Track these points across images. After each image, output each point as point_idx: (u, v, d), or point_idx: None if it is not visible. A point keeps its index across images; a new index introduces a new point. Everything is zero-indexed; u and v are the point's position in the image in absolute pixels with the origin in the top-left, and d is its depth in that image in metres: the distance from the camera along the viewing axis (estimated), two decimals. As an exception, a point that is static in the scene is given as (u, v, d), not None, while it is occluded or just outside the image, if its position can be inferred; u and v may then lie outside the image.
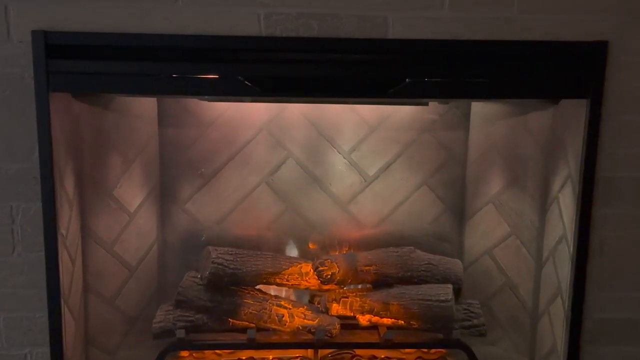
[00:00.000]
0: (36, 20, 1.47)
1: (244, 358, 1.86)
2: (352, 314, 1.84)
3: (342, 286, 1.88)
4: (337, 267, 1.82)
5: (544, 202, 1.82)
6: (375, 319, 1.84)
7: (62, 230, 1.58)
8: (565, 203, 1.68)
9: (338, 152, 2.03)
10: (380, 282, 1.86)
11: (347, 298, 1.84)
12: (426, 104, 1.90)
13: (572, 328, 1.68)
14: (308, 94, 1.60)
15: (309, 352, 1.86)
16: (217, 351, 1.86)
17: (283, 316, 1.81)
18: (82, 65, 1.50)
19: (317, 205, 2.05)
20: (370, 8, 1.49)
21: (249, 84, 1.51)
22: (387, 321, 1.83)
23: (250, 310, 1.81)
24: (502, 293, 1.97)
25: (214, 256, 1.79)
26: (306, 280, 1.86)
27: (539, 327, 1.87)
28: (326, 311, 1.84)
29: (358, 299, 1.84)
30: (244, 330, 1.80)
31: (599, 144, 1.58)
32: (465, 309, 1.86)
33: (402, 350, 1.88)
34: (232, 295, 1.82)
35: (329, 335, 1.80)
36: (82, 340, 1.76)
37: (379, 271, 1.84)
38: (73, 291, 1.68)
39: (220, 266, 1.78)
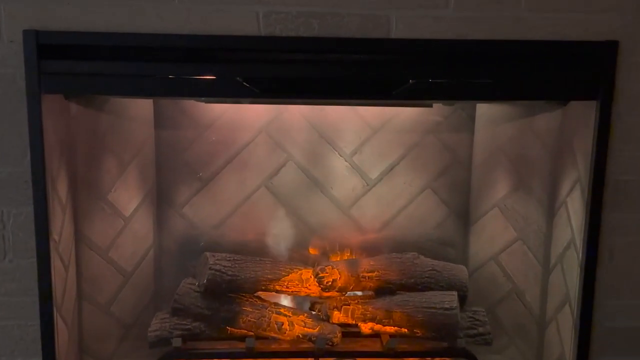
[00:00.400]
0: (28, 19, 1.46)
1: (242, 367, 1.86)
2: (353, 322, 1.84)
3: (344, 293, 1.87)
4: (339, 273, 1.82)
5: (551, 207, 1.81)
6: (377, 327, 1.84)
7: (54, 235, 1.57)
8: (574, 207, 1.68)
9: (339, 154, 2.03)
10: (383, 289, 1.86)
11: (349, 305, 1.84)
12: (430, 106, 1.89)
13: (581, 337, 1.66)
14: (308, 95, 1.59)
15: (310, 361, 1.85)
16: (215, 360, 1.85)
17: (283, 324, 1.81)
18: (75, 65, 1.49)
19: (317, 210, 2.04)
20: (373, 7, 1.48)
21: (247, 85, 1.50)
22: (389, 329, 1.83)
23: (249, 318, 1.81)
24: (508, 300, 1.96)
25: (211, 262, 1.78)
26: (306, 287, 1.86)
27: (546, 336, 1.86)
28: (327, 319, 1.84)
29: (360, 306, 1.84)
30: (242, 338, 1.80)
31: (609, 147, 1.57)
32: (471, 317, 1.86)
33: (405, 359, 1.86)
34: (230, 303, 1.81)
35: (330, 343, 1.80)
36: (75, 348, 1.75)
37: (381, 278, 1.84)
38: (66, 298, 1.67)
39: (218, 273, 1.77)
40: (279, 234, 2.04)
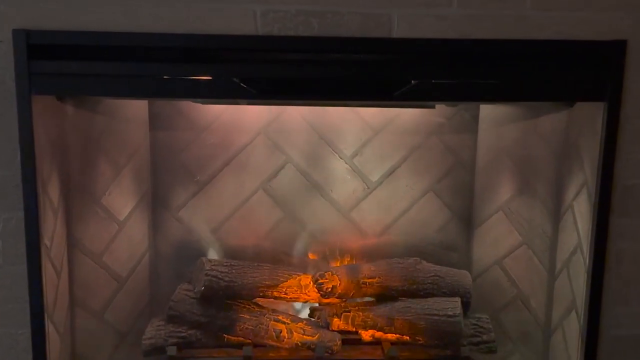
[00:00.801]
0: (18, 19, 1.44)
1: (239, 376, 1.86)
2: (354, 329, 1.84)
3: (344, 300, 1.87)
4: (338, 279, 1.82)
5: (557, 210, 1.80)
6: (378, 334, 1.83)
7: (46, 240, 1.56)
8: (581, 211, 1.66)
9: (339, 156, 2.03)
10: (384, 296, 1.86)
11: (349, 312, 1.84)
12: (433, 107, 1.88)
13: (588, 344, 1.65)
14: (308, 96, 1.59)
15: (309, 370, 1.85)
16: (211, 369, 1.85)
17: (281, 332, 1.80)
18: (67, 66, 1.47)
19: (317, 213, 2.04)
20: (374, 5, 1.47)
21: (245, 85, 1.50)
22: (391, 337, 1.83)
23: (246, 326, 1.80)
24: (512, 306, 1.96)
25: (207, 268, 1.78)
26: (306, 294, 1.86)
27: (551, 343, 1.85)
28: (327, 326, 1.84)
29: (360, 313, 1.84)
30: (239, 346, 1.80)
31: (617, 149, 1.55)
32: (474, 324, 1.86)
33: (407, 367, 1.87)
34: (227, 310, 1.81)
35: (330, 351, 1.80)
36: (68, 357, 1.74)
37: (382, 284, 1.84)
38: (58, 305, 1.66)
39: (214, 279, 1.77)
40: (278, 238, 2.04)
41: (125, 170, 1.86)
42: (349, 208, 2.04)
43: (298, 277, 1.85)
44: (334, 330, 1.83)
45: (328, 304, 1.87)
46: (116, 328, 1.88)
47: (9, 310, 1.58)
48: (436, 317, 1.77)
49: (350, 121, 2.00)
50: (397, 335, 1.81)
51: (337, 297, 1.83)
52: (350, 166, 2.02)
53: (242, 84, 1.49)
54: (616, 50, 1.50)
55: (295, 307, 2.00)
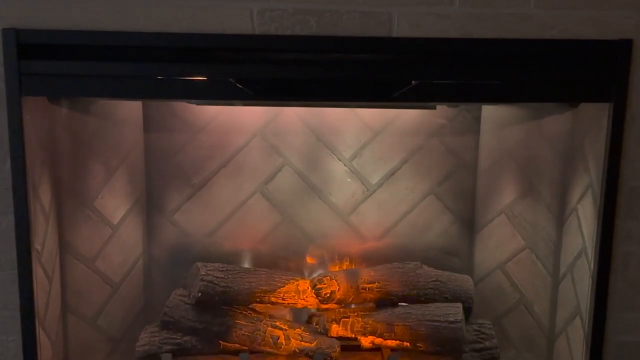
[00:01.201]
0: (7, 17, 1.43)
1: (236, 383, 1.85)
2: (353, 336, 1.84)
3: (343, 305, 1.87)
4: (337, 284, 1.81)
5: (561, 214, 1.80)
6: (378, 340, 1.83)
7: (36, 245, 1.56)
8: (585, 215, 1.66)
9: (338, 159, 2.03)
10: (384, 301, 1.85)
11: (348, 318, 1.84)
12: (434, 108, 1.89)
13: (593, 351, 1.64)
14: (305, 97, 1.59)
15: (307, 377, 1.85)
16: (207, 376, 1.85)
17: (278, 338, 1.80)
18: (58, 66, 1.46)
19: (315, 217, 2.04)
20: (374, 4, 1.46)
21: (241, 86, 1.49)
22: (391, 343, 1.83)
23: (242, 332, 1.80)
24: (515, 311, 1.96)
25: (203, 273, 1.78)
26: (303, 299, 1.85)
27: (555, 349, 1.85)
28: (325, 332, 1.83)
29: (360, 319, 1.83)
30: (236, 353, 1.80)
31: (623, 151, 1.55)
32: (477, 330, 1.85)
33: (407, 374, 1.87)
34: (223, 316, 1.81)
35: (329, 358, 1.79)
36: (60, 364, 1.74)
37: (382, 289, 1.84)
38: (50, 312, 1.65)
39: (210, 284, 1.77)
40: (275, 242, 2.04)
41: (119, 172, 1.86)
42: (348, 211, 2.04)
43: (296, 282, 1.84)
44: (332, 337, 1.82)
45: (327, 309, 1.87)
46: (109, 334, 1.87)
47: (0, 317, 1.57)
48: (437, 323, 1.77)
49: (349, 122, 2.00)
50: (398, 341, 1.81)
51: (335, 303, 1.82)
52: (349, 168, 2.02)
53: (238, 85, 1.49)
54: (622, 49, 1.49)
55: (293, 312, 1.99)
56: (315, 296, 1.82)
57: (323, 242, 2.04)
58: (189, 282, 1.83)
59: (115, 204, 1.86)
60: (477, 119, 2.00)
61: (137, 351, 1.78)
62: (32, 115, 1.51)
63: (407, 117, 1.99)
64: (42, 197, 1.60)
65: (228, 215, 2.02)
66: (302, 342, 1.80)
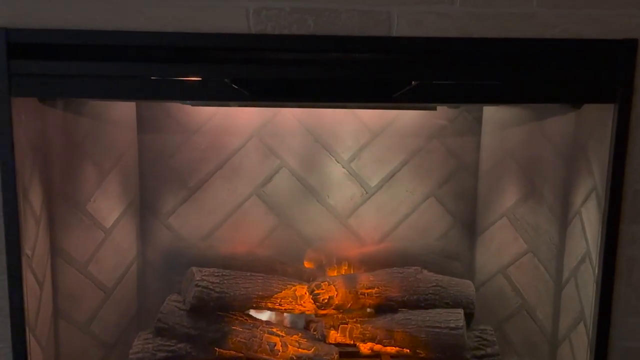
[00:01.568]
0: (-4, 16, 1.43)
1: (232, 391, 1.86)
2: (352, 342, 1.84)
3: (341, 311, 1.86)
4: (335, 289, 1.82)
5: (564, 217, 1.80)
6: (377, 347, 1.83)
7: (27, 250, 1.55)
8: (589, 218, 1.66)
9: (336, 160, 2.03)
10: (384, 307, 1.85)
11: (347, 324, 1.84)
12: (434, 108, 1.88)
13: (597, 357, 1.63)
14: (303, 98, 1.57)
15: (305, 384, 1.85)
16: (202, 384, 1.85)
17: (275, 345, 1.80)
18: (49, 66, 1.45)
19: (313, 220, 2.05)
20: (373, 2, 1.45)
21: (237, 87, 1.48)
22: (391, 350, 1.83)
23: (238, 339, 1.80)
24: (517, 316, 1.96)
25: (198, 278, 1.78)
26: (301, 304, 1.85)
27: (558, 355, 1.84)
28: (323, 339, 1.84)
29: (359, 325, 1.83)
30: None
31: (628, 153, 1.54)
32: (478, 336, 1.85)
33: (407, 381, 1.87)
34: (218, 322, 1.80)
35: None
36: (51, 371, 1.74)
37: (381, 294, 1.84)
38: (41, 318, 1.64)
39: (205, 289, 1.77)
40: (272, 246, 2.04)
41: (112, 175, 1.85)
42: (347, 214, 2.04)
43: (293, 288, 1.85)
44: (330, 343, 1.82)
45: (325, 315, 1.87)
46: (102, 341, 1.87)
47: (-11, 323, 1.57)
48: (438, 330, 1.77)
49: (347, 123, 2.00)
50: (397, 348, 1.81)
51: (334, 309, 1.83)
52: (348, 170, 2.02)
53: (234, 85, 1.48)
54: (626, 49, 1.48)
55: (291, 318, 1.99)
56: (313, 302, 1.82)
57: (321, 246, 2.04)
58: (184, 288, 1.83)
59: (108, 207, 1.86)
60: (478, 120, 2.00)
61: (131, 358, 1.77)
62: (22, 117, 1.50)
63: (406, 118, 1.99)
64: (33, 201, 1.59)
65: (224, 218, 2.02)
66: (299, 349, 1.80)
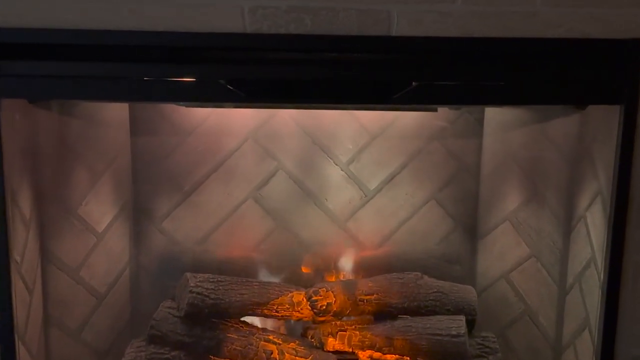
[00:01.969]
0: (-17, 15, 1.42)
1: (227, 400, 1.85)
2: (350, 350, 1.83)
3: (340, 318, 1.86)
4: (334, 296, 1.81)
5: (568, 221, 1.79)
6: (377, 355, 1.82)
7: (16, 256, 1.54)
8: (594, 222, 1.65)
9: (335, 163, 2.03)
10: (383, 314, 1.85)
11: (345, 331, 1.83)
12: (435, 110, 1.89)
13: (603, 365, 1.64)
14: (300, 99, 1.56)
15: (302, 393, 1.85)
16: (196, 393, 1.85)
17: (272, 353, 1.79)
18: (39, 66, 1.44)
19: (311, 224, 2.05)
20: (372, 1, 1.44)
21: (232, 87, 1.47)
22: (390, 358, 1.82)
23: (234, 346, 1.79)
24: (520, 322, 1.96)
25: (192, 284, 1.77)
26: (298, 311, 1.84)
27: None
28: (321, 346, 1.83)
29: (357, 332, 1.83)
30: None
31: (634, 156, 1.52)
32: (480, 344, 1.84)
33: (407, 390, 1.87)
34: (213, 329, 1.80)
35: None
36: (41, 380, 1.74)
37: (381, 301, 1.84)
38: (30, 325, 1.63)
39: (199, 296, 1.76)
40: (268, 251, 2.04)
41: (104, 178, 1.85)
42: (345, 218, 2.04)
43: (290, 294, 1.84)
44: (329, 351, 1.81)
45: (322, 322, 1.86)
46: (94, 348, 1.87)
47: (-24, 332, 1.55)
48: (439, 337, 1.76)
49: (346, 125, 2.00)
50: (397, 356, 1.80)
51: (332, 315, 1.82)
52: (346, 173, 2.02)
53: (228, 86, 1.47)
54: (633, 49, 1.47)
55: (288, 326, 2.00)
56: (310, 308, 1.81)
57: (319, 251, 2.04)
58: (178, 294, 1.82)
59: (100, 210, 1.85)
60: (480, 121, 2.00)
61: (123, 366, 1.77)
62: (11, 118, 1.50)
63: (406, 119, 1.99)
64: (22, 205, 1.58)
65: (219, 222, 2.02)
66: (296, 357, 1.79)
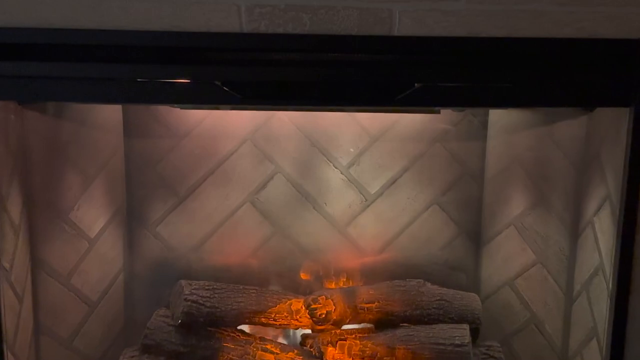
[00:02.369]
0: (-31, 14, 1.41)
1: (223, 412, 1.86)
2: (350, 359, 1.82)
3: (339, 326, 1.86)
4: (333, 304, 1.81)
5: (575, 227, 1.80)
6: None
7: (4, 263, 1.54)
8: (602, 228, 1.64)
9: (334, 166, 2.02)
10: (384, 322, 1.85)
11: (345, 340, 1.83)
12: (438, 112, 1.87)
13: (611, 376, 1.64)
14: (298, 101, 1.56)
15: (301, 404, 1.85)
16: (192, 405, 1.85)
17: None
18: (28, 67, 1.43)
19: (310, 229, 2.04)
20: (373, -1, 1.45)
21: (228, 89, 1.46)
22: None
23: (230, 356, 1.79)
24: (525, 331, 1.95)
25: (187, 292, 1.78)
26: (297, 320, 1.85)
27: None
28: (320, 356, 1.83)
29: (358, 341, 1.83)
30: None
31: (644, 160, 1.54)
32: (485, 353, 1.84)
33: (409, 401, 1.87)
34: (209, 338, 1.80)
35: None
36: (32, 391, 1.74)
37: (382, 309, 1.84)
38: (20, 334, 1.63)
39: (194, 304, 1.77)
40: (266, 257, 2.03)
41: (96, 182, 1.85)
42: (345, 223, 2.04)
43: (288, 302, 1.84)
44: (328, 361, 1.82)
45: (322, 331, 1.85)
46: (86, 357, 1.87)
47: (-37, 342, 1.55)
48: (442, 347, 1.76)
49: (346, 127, 1.99)
50: (399, 366, 1.81)
51: (331, 324, 1.82)
52: (347, 177, 2.02)
53: (225, 88, 1.46)
54: (643, 49, 1.48)
55: (286, 334, 1.99)
56: (309, 317, 1.81)
57: (318, 257, 2.03)
58: (173, 302, 1.82)
59: (92, 215, 1.85)
60: (484, 124, 1.99)
61: (116, 377, 1.77)
62: (9, 119, 1.52)
63: (408, 121, 1.98)
64: (11, 210, 1.58)
65: (215, 227, 2.02)
66: (295, 367, 1.80)
